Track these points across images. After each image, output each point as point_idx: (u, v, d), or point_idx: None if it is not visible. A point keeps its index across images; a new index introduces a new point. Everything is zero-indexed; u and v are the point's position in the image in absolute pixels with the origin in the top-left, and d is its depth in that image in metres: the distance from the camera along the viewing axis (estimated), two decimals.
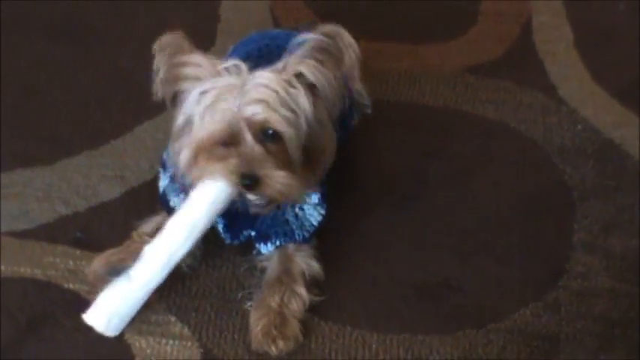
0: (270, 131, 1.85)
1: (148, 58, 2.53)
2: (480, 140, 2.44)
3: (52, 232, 2.20)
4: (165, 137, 2.34)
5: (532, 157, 2.40)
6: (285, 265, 2.04)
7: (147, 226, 2.07)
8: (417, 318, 2.04)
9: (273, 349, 1.94)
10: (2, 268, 2.12)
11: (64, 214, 2.24)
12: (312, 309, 2.02)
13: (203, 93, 1.86)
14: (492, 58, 2.65)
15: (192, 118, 1.88)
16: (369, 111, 2.35)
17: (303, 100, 1.87)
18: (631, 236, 2.22)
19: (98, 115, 2.48)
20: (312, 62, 1.86)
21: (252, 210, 1.94)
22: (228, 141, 1.86)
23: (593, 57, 2.66)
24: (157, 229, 1.99)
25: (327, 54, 1.87)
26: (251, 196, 1.90)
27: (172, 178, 2.03)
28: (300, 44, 1.88)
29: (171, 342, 1.99)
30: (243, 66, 1.87)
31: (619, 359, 1.99)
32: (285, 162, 1.87)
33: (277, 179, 1.85)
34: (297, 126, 1.87)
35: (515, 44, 2.69)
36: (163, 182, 2.07)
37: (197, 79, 1.87)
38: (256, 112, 1.83)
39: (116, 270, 1.96)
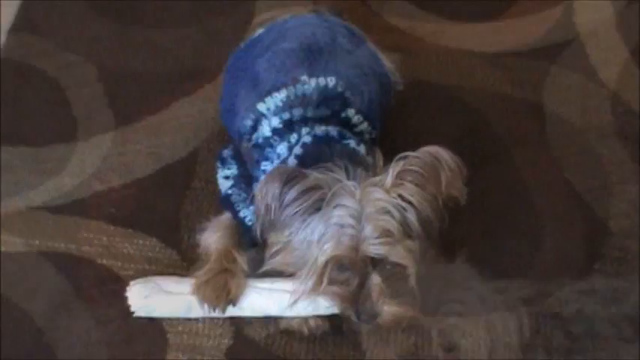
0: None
1: (186, 38, 2.58)
2: (518, 122, 2.41)
3: (86, 208, 2.21)
4: (200, 115, 2.38)
5: (570, 141, 2.37)
6: None
7: (214, 237, 2.02)
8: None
9: (305, 328, 1.95)
10: (37, 242, 2.14)
11: (99, 190, 2.26)
12: None
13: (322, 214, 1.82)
14: (532, 39, 2.62)
15: (310, 231, 1.83)
16: (400, 87, 2.31)
17: (416, 224, 1.83)
18: None
19: (134, 91, 2.48)
20: (412, 186, 1.81)
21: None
22: (348, 266, 1.83)
23: (635, 39, 2.62)
24: (224, 236, 2.00)
25: (426, 175, 1.82)
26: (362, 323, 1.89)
27: (237, 182, 2.02)
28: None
29: (201, 319, 1.99)
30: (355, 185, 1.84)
31: None
32: (401, 284, 1.85)
33: (393, 314, 1.84)
34: (417, 252, 1.84)
35: (556, 25, 2.66)
36: (226, 184, 2.04)
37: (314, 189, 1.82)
38: (381, 244, 1.80)
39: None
